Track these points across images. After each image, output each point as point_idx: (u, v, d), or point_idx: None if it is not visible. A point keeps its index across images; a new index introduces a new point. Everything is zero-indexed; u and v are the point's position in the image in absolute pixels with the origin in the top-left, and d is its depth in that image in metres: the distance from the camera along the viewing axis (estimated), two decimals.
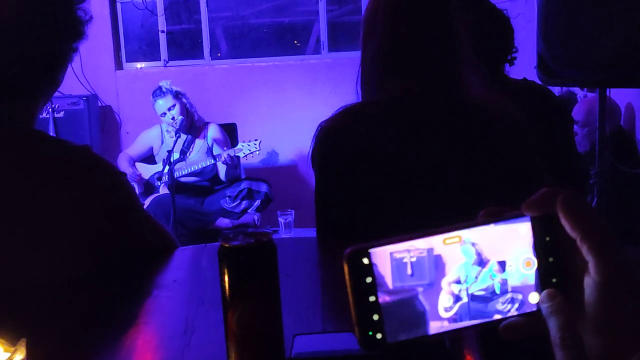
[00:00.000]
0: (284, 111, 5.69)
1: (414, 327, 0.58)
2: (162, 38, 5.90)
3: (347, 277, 0.57)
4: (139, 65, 5.92)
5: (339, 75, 5.38)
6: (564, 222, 0.57)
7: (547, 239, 0.60)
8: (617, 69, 2.75)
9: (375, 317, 0.57)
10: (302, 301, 1.21)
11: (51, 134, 4.31)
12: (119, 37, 5.84)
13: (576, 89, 4.42)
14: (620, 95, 3.86)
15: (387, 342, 0.57)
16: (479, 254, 0.59)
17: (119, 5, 5.80)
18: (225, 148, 4.84)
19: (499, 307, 0.60)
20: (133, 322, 1.22)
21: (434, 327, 0.58)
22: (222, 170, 4.86)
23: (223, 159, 4.69)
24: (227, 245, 0.88)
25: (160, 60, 5.90)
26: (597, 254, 0.55)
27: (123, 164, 4.90)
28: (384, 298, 0.57)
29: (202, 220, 4.80)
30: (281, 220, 4.63)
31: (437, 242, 0.58)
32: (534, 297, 0.60)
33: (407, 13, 1.63)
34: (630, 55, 2.69)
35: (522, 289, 0.60)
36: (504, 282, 0.60)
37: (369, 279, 0.57)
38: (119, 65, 5.82)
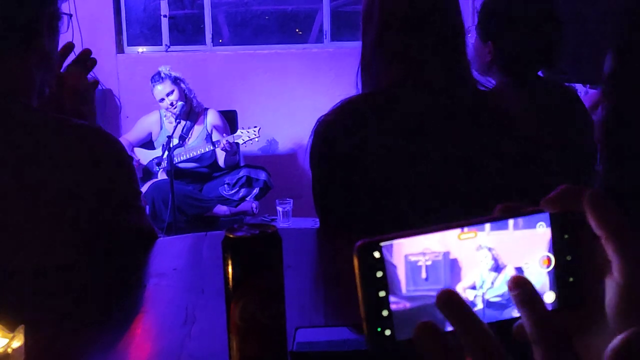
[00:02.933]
0: (285, 100, 5.67)
1: None
2: (164, 23, 5.87)
3: (356, 270, 0.55)
4: (140, 49, 5.88)
5: (341, 65, 5.36)
6: (591, 219, 0.54)
7: (566, 236, 0.58)
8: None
9: (385, 312, 0.55)
10: (304, 293, 1.20)
11: None
12: (120, 21, 5.81)
13: (578, 85, 4.41)
14: None
15: (396, 339, 0.55)
16: (495, 260, 0.58)
17: None
18: (224, 134, 4.82)
19: (515, 314, 0.58)
20: (133, 310, 1.22)
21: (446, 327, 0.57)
22: (221, 157, 4.84)
23: (222, 145, 4.67)
24: (231, 236, 0.87)
25: (161, 45, 5.87)
26: (623, 255, 0.53)
27: None
28: (394, 293, 0.56)
29: (200, 206, 4.79)
30: (279, 209, 4.63)
31: (452, 240, 0.57)
32: (549, 297, 0.59)
33: (403, 1, 1.62)
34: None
35: (539, 291, 0.59)
36: None
37: (379, 274, 0.55)
38: (120, 49, 5.78)
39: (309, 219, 4.39)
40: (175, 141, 4.63)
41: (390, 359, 0.58)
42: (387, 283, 0.55)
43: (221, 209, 4.85)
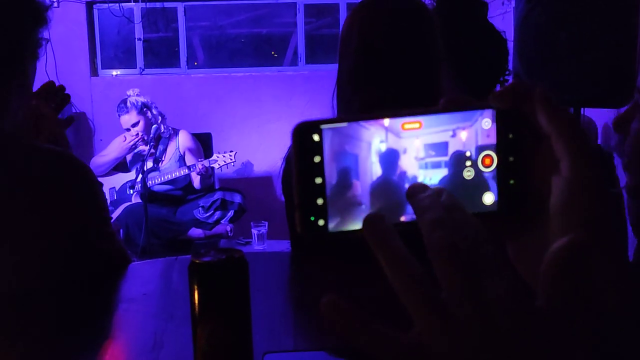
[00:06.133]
0: (260, 122, 5.68)
1: (358, 218, 0.52)
2: (139, 46, 5.87)
3: (294, 154, 0.51)
4: (114, 72, 5.87)
5: (316, 88, 5.39)
6: (540, 116, 0.52)
7: (511, 135, 0.55)
8: (593, 89, 2.78)
9: (320, 201, 0.51)
10: (274, 317, 1.19)
11: None
12: (95, 44, 5.80)
13: None
14: (596, 116, 3.90)
15: (328, 230, 0.52)
16: (434, 155, 0.54)
17: (95, 12, 5.76)
18: (198, 157, 4.81)
19: None
20: (102, 335, 1.20)
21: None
22: (195, 179, 4.82)
23: (198, 169, 4.66)
24: (197, 261, 0.87)
25: (136, 68, 5.87)
26: (572, 150, 0.51)
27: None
28: (330, 181, 0.52)
29: (174, 230, 4.76)
30: (254, 231, 4.61)
31: (396, 129, 0.53)
32: (488, 198, 0.55)
33: (381, 28, 1.63)
34: (605, 75, 2.71)
35: (474, 190, 0.55)
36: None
37: (317, 159, 0.51)
38: (94, 72, 5.77)
39: (285, 241, 4.37)
40: (149, 164, 4.60)
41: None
42: (324, 169, 0.51)
43: (196, 232, 4.83)
